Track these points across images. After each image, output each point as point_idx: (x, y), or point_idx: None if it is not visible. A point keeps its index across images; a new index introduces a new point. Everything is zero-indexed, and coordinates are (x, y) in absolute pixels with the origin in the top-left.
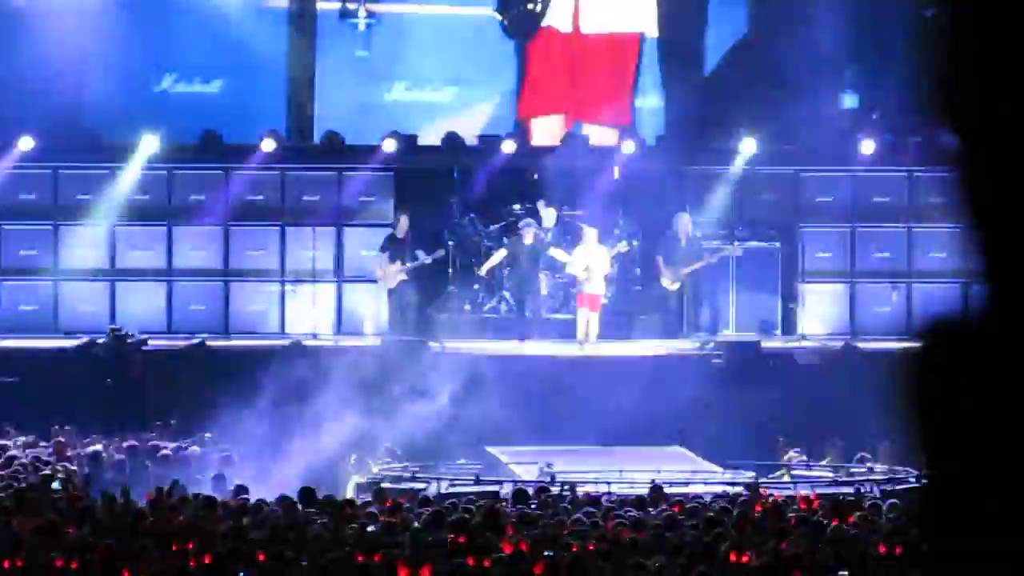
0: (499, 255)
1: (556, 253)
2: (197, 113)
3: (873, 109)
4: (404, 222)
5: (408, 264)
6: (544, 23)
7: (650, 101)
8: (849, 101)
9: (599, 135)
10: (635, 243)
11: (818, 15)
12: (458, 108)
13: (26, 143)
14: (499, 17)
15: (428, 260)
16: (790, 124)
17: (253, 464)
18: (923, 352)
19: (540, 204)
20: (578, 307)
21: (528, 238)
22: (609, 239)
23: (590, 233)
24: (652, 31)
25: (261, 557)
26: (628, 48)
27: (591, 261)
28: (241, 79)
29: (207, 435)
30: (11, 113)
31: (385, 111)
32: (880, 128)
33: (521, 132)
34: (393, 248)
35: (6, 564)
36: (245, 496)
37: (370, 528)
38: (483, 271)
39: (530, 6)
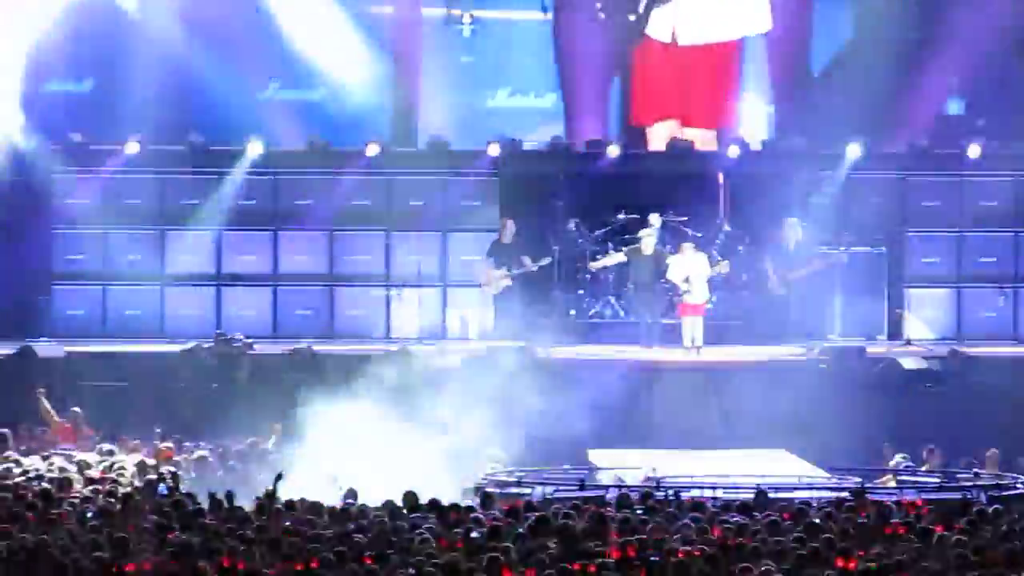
0: (616, 257)
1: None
2: (302, 119)
3: (979, 115)
4: (510, 228)
5: (514, 270)
6: (646, 32)
7: (753, 104)
8: (955, 107)
9: (702, 139)
10: (742, 250)
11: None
12: (561, 114)
13: (132, 147)
14: (601, 16)
15: (534, 267)
16: (896, 129)
17: (358, 468)
18: None
19: (653, 217)
20: (681, 316)
21: (648, 248)
22: (711, 248)
23: (687, 245)
24: (755, 31)
25: (368, 560)
26: (728, 55)
27: (691, 272)
28: (342, 86)
29: (312, 439)
30: (122, 117)
31: (489, 117)
32: (986, 133)
33: (629, 136)
34: (498, 254)
35: (115, 568)
36: (351, 501)
37: (474, 533)
38: (594, 266)
39: (631, 16)
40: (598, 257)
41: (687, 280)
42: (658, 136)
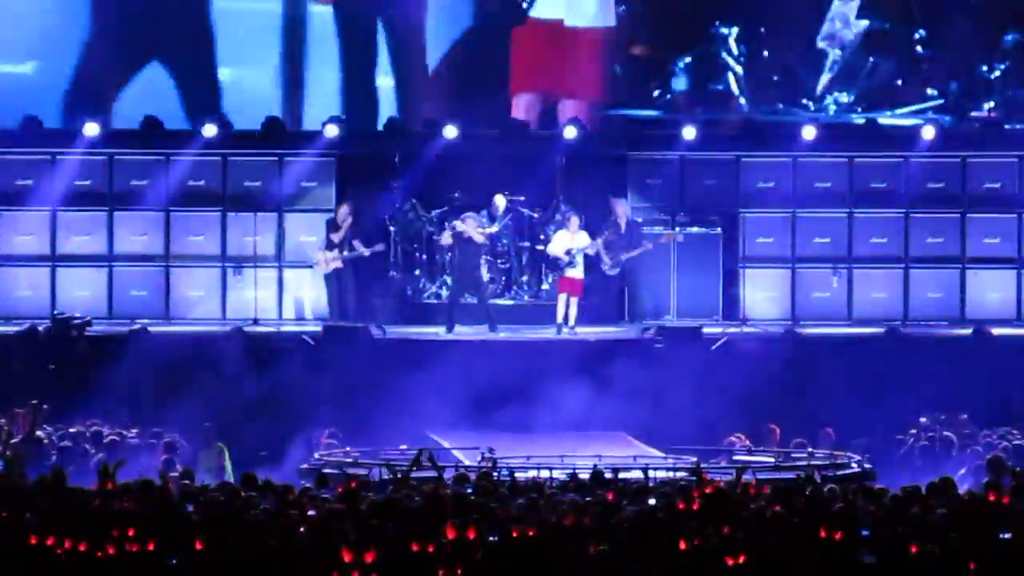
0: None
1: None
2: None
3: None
4: (345, 211)
5: (345, 253)
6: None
7: None
8: None
9: (574, 109)
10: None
11: None
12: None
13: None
14: None
15: (366, 253)
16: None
17: (194, 450)
18: None
19: (498, 198)
20: (559, 291)
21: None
22: (548, 227)
23: (574, 219)
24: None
25: (199, 546)
26: (599, 37)
27: (576, 247)
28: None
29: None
30: None
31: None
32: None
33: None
34: (333, 234)
35: None
36: (187, 482)
37: (311, 512)
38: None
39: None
40: (434, 238)
41: (569, 253)
42: (522, 107)
